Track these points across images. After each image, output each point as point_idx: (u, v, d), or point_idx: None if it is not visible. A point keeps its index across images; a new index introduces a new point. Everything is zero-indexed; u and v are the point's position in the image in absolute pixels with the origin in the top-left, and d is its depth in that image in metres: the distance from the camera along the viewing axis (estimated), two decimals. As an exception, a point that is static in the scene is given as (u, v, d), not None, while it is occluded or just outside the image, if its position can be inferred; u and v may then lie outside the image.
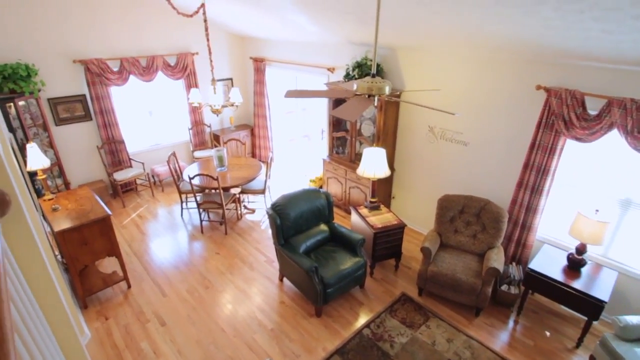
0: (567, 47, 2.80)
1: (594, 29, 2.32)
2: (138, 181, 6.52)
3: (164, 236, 5.14)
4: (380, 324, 3.59)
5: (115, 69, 5.61)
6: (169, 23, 5.99)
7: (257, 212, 5.77)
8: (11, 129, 4.55)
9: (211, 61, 4.63)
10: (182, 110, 6.78)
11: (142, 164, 6.20)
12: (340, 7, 3.40)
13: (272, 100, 7.05)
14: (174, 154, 5.55)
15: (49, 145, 5.18)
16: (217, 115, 6.53)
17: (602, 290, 3.18)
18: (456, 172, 4.46)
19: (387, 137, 4.79)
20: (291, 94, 2.53)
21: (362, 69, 4.62)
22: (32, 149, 3.85)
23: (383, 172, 4.14)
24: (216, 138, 7.21)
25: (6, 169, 1.17)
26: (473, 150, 4.20)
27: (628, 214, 3.32)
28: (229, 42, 7.02)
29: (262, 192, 5.45)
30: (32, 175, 4.54)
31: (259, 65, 6.75)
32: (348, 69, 4.80)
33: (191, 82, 6.51)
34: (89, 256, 3.66)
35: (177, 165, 5.64)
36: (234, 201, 5.48)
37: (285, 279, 4.22)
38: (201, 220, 5.20)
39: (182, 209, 5.64)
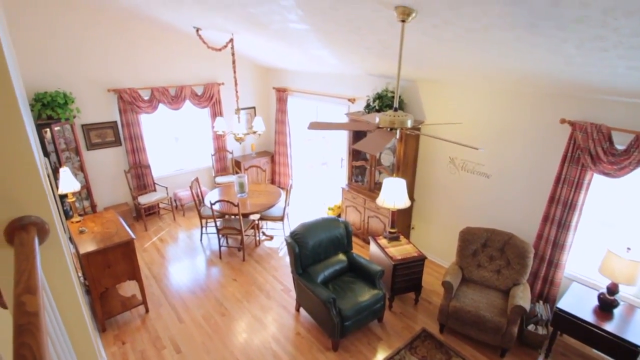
0: (592, 82, 2.78)
1: (619, 65, 2.30)
2: (161, 205, 6.68)
3: (183, 260, 5.19)
4: (399, 361, 3.46)
5: (146, 98, 5.90)
6: (198, 55, 6.30)
7: (275, 239, 5.77)
8: (46, 153, 4.80)
9: (237, 92, 4.83)
10: (206, 137, 7.00)
11: (166, 188, 6.38)
12: (362, 43, 3.51)
13: (293, 128, 7.20)
14: (196, 180, 5.69)
15: (80, 169, 5.41)
16: (240, 143, 6.71)
17: (636, 334, 2.99)
18: (478, 204, 4.38)
19: (407, 167, 4.79)
20: (314, 126, 2.59)
21: (382, 100, 4.69)
22: (65, 173, 4.03)
23: (403, 202, 4.11)
24: (237, 164, 7.37)
25: (47, 198, 1.23)
26: (495, 182, 4.14)
27: (663, 253, 3.16)
28: (253, 72, 7.30)
29: (281, 219, 5.48)
30: (62, 197, 4.73)
31: (282, 95, 6.95)
32: (369, 100, 4.89)
33: (216, 111, 6.75)
34: (111, 279, 3.73)
35: (199, 190, 5.77)
36: (252, 227, 5.52)
37: (302, 309, 4.15)
38: (220, 246, 5.24)
39: (201, 233, 5.72)
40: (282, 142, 7.29)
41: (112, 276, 3.72)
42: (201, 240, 5.71)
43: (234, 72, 4.75)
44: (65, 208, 5.00)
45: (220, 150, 7.11)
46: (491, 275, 3.83)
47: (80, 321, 1.29)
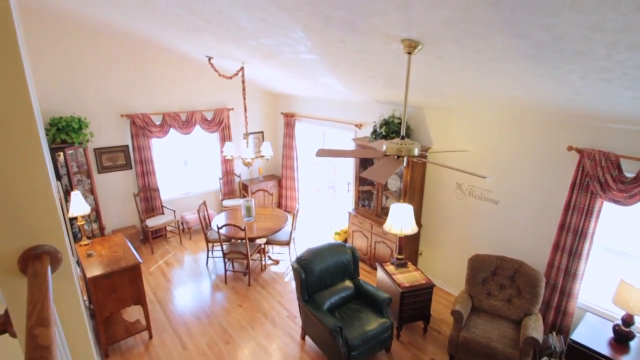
0: (599, 111, 2.80)
1: (624, 95, 2.33)
2: (168, 228, 6.71)
3: (188, 284, 5.16)
4: (408, 395, 3.34)
5: (158, 123, 6.04)
6: (208, 81, 6.48)
7: (281, 263, 5.73)
8: (58, 177, 4.90)
9: (246, 118, 4.92)
10: (215, 161, 7.10)
11: (174, 211, 6.42)
12: (369, 73, 3.60)
13: (300, 152, 7.28)
14: (204, 203, 5.73)
15: (90, 192, 5.49)
16: (248, 167, 6.79)
17: (658, 370, 2.87)
18: (487, 231, 4.33)
19: (414, 192, 4.78)
20: (322, 153, 2.62)
21: (389, 127, 4.75)
22: (76, 196, 4.09)
23: (410, 228, 4.08)
24: (245, 188, 7.42)
25: (61, 227, 1.26)
26: (504, 208, 4.10)
27: (680, 284, 3.07)
28: (261, 98, 7.47)
29: (287, 243, 5.46)
30: (71, 219, 4.78)
31: (289, 120, 7.07)
32: (375, 125, 4.95)
33: (225, 135, 6.87)
34: (117, 304, 3.71)
35: (206, 213, 5.80)
36: (258, 252, 5.49)
37: (307, 337, 4.07)
38: (225, 270, 5.21)
39: (207, 257, 5.70)
40: (290, 166, 7.35)
41: (117, 301, 3.70)
42: (207, 264, 5.69)
43: (244, 99, 4.88)
44: (74, 230, 5.04)
45: (228, 173, 7.19)
46: (502, 304, 3.74)
47: (88, 352, 1.28)
